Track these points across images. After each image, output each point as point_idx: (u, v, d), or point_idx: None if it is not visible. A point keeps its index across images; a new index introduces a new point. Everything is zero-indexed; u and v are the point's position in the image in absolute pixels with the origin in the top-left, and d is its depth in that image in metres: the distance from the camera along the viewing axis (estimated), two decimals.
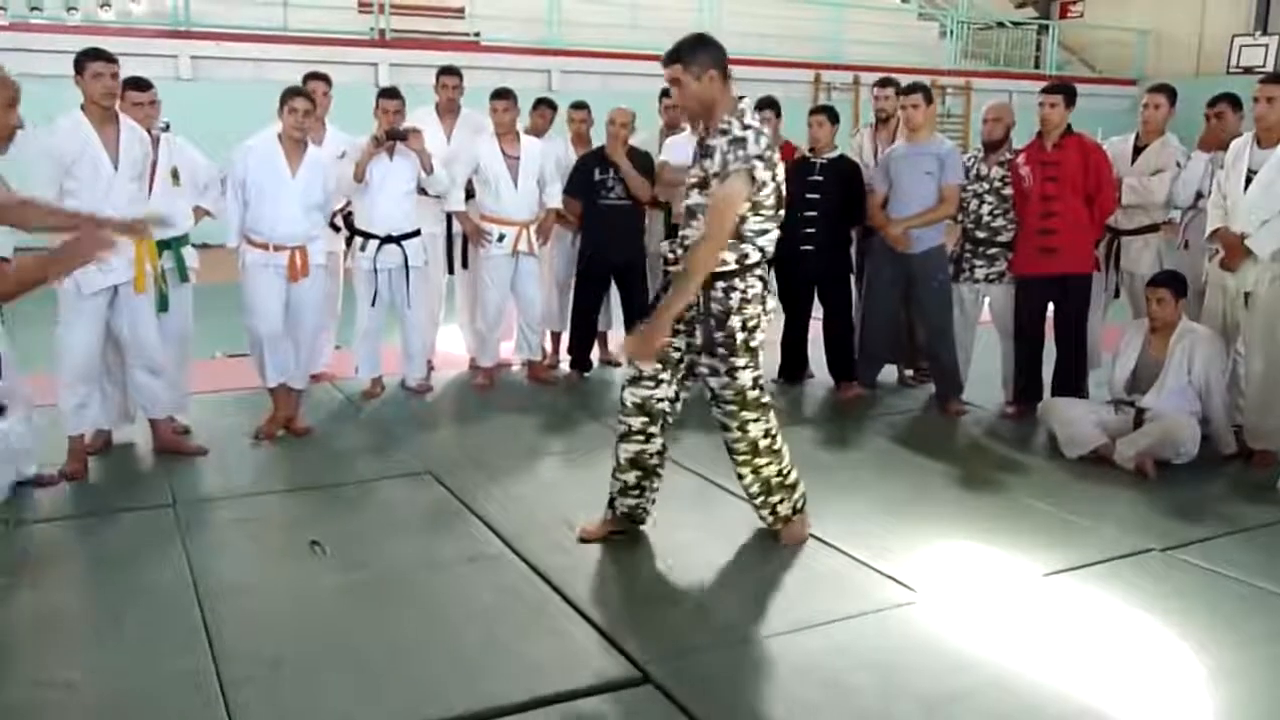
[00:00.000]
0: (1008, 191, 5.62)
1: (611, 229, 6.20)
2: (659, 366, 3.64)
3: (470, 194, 6.10)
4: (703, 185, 3.51)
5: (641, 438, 3.73)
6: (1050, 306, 5.65)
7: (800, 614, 3.33)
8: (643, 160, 6.20)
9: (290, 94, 4.97)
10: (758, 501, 3.85)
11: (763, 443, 3.71)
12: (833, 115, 6.06)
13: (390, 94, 5.73)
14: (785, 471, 3.82)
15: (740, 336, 3.54)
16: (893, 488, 4.58)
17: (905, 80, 6.13)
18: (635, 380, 3.69)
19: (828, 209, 5.93)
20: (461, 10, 14.83)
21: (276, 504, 4.35)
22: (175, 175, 4.89)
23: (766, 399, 3.71)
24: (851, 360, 6.16)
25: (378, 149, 5.56)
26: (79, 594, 3.55)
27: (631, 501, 3.84)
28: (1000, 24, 19.88)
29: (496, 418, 5.59)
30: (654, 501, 3.91)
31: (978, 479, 4.73)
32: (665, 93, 6.64)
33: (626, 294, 6.39)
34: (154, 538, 3.94)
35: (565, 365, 6.60)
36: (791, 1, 16.35)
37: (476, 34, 14.55)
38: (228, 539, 3.94)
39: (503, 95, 6.02)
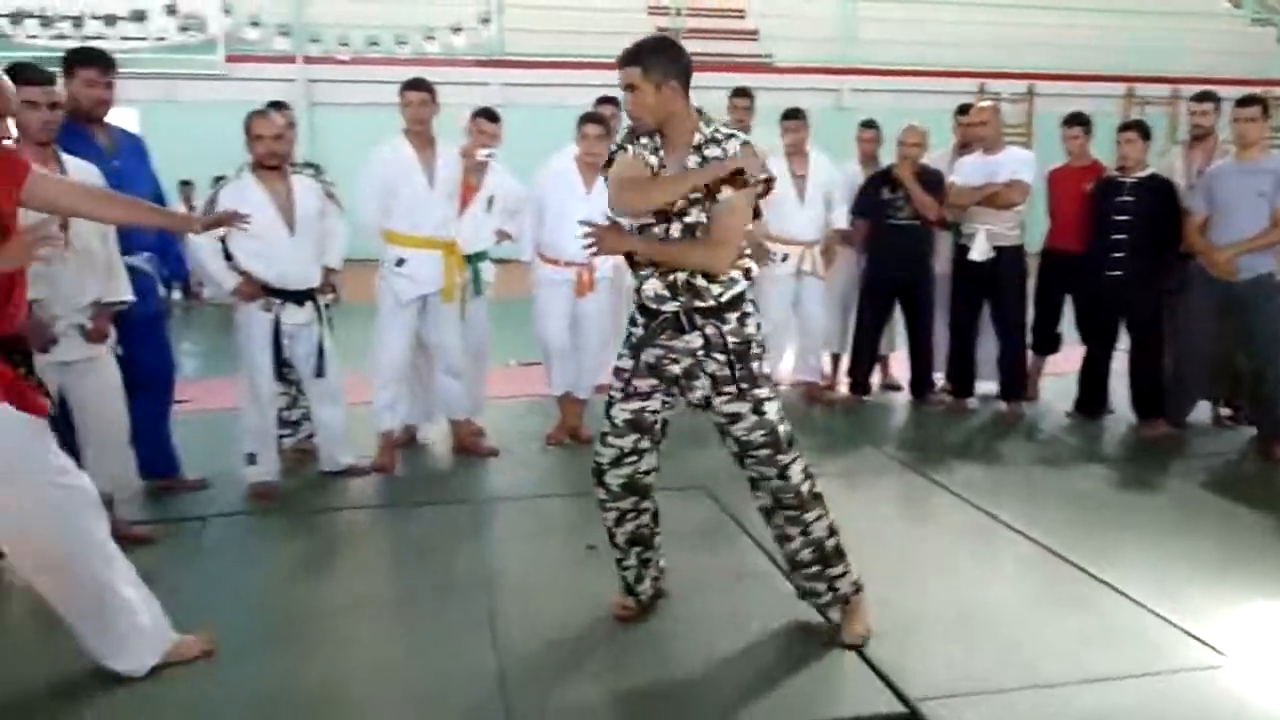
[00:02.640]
0: None
1: (898, 249, 6.06)
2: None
3: (757, 213, 6.14)
4: (702, 201, 2.99)
5: (634, 515, 3.30)
6: None
7: (1089, 665, 3.09)
8: (932, 179, 6.02)
9: (584, 120, 5.21)
10: (810, 573, 3.24)
11: (805, 488, 3.15)
12: (1144, 131, 5.63)
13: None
14: (835, 528, 3.23)
15: (756, 366, 3.08)
16: (1200, 538, 4.17)
17: (1230, 93, 5.60)
18: (616, 461, 3.19)
19: (1137, 232, 5.50)
20: (755, 32, 15.03)
21: (560, 507, 4.55)
22: (490, 202, 5.22)
23: (792, 432, 3.16)
24: (1160, 395, 5.68)
25: None
26: (383, 579, 3.87)
27: (648, 580, 3.43)
28: None
29: None
30: (661, 566, 3.49)
31: None
32: (962, 110, 6.45)
33: (911, 316, 6.22)
34: (451, 531, 4.24)
35: (844, 388, 6.51)
36: (1104, 10, 15.37)
37: (768, 55, 14.68)
38: (515, 538, 4.17)
39: (792, 115, 6.04)
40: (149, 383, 4.30)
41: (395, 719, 2.87)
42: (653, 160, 3.05)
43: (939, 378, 6.34)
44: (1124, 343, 5.82)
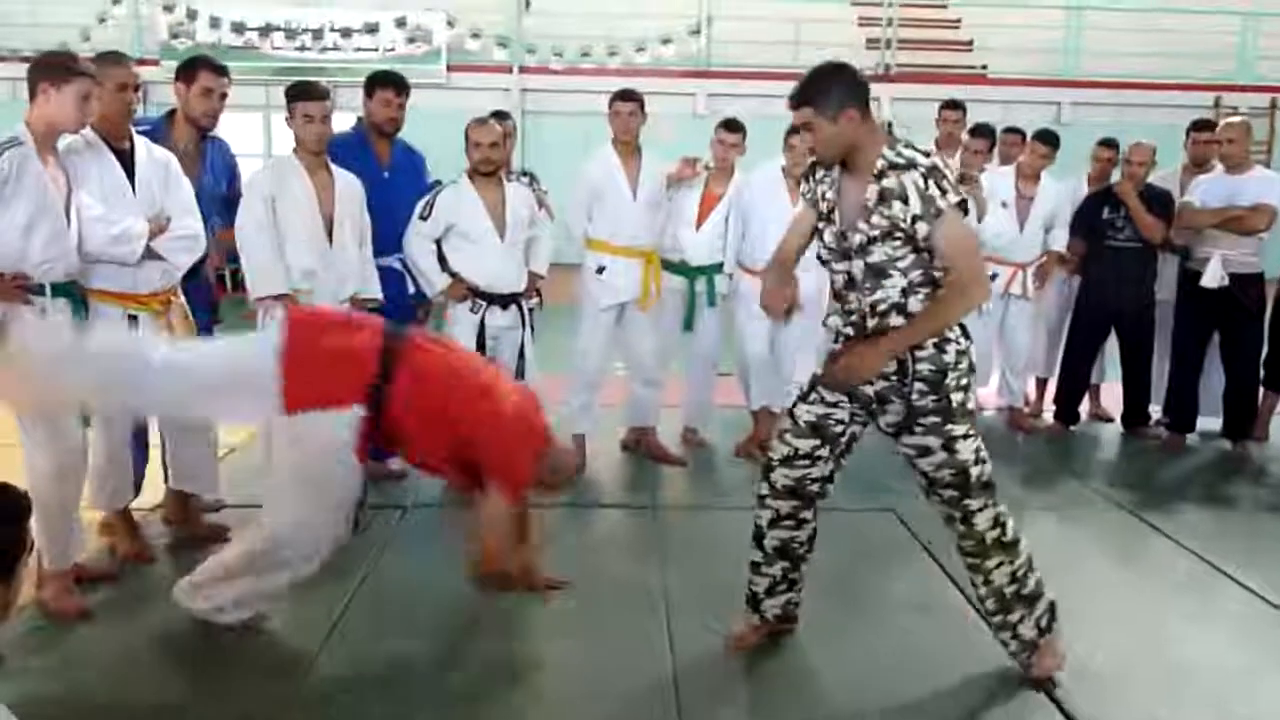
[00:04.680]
0: None
1: (1117, 272, 5.72)
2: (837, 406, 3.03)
3: None
4: (888, 235, 2.80)
5: (791, 523, 3.16)
6: None
7: None
8: (1159, 199, 5.65)
9: (791, 132, 5.16)
10: (994, 622, 3.10)
11: (990, 535, 2.97)
12: None
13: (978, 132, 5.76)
14: (1020, 574, 3.03)
15: (956, 399, 2.88)
16: None
17: None
18: (788, 460, 3.08)
19: None
20: (970, 43, 14.56)
21: (742, 519, 4.46)
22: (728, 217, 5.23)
23: (989, 475, 2.98)
24: None
25: None
26: (568, 576, 3.93)
27: (781, 599, 3.27)
28: None
29: None
30: (801, 594, 3.31)
31: None
32: (1196, 125, 6.05)
33: (1127, 344, 5.87)
34: (634, 535, 4.32)
35: (1049, 415, 6.20)
36: None
37: (984, 66, 14.19)
38: (696, 547, 4.17)
39: (1046, 140, 5.82)
40: None
41: (573, 713, 2.93)
42: (829, 194, 2.95)
43: (1155, 411, 5.95)
44: None
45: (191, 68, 4.02)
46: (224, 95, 4.07)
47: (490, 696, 2.98)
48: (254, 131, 14.06)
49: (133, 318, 3.63)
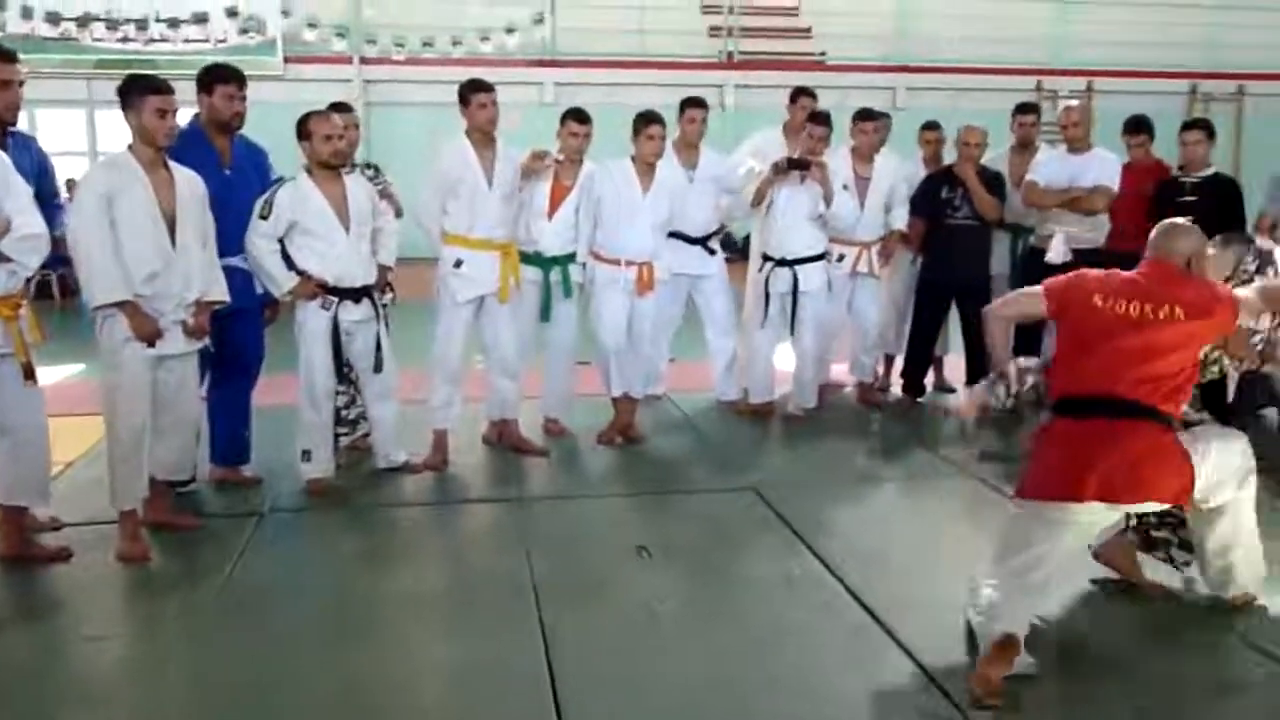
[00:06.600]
0: None
1: (956, 249, 5.97)
2: None
3: None
4: None
5: None
6: None
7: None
8: (993, 180, 5.93)
9: (647, 120, 5.18)
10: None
11: None
12: (1210, 131, 5.53)
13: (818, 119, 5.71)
14: None
15: None
16: None
17: None
18: None
19: None
20: (808, 30, 14.92)
21: (607, 507, 4.55)
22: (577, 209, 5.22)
23: None
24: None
25: (778, 176, 5.59)
26: (434, 577, 3.85)
27: None
28: None
29: (825, 441, 5.53)
30: None
31: None
32: (1021, 109, 6.33)
33: (967, 317, 6.13)
34: (500, 530, 4.29)
35: (896, 389, 6.44)
36: (1167, 4, 15.03)
37: (822, 53, 14.57)
38: (562, 537, 4.16)
39: (872, 116, 5.96)
40: (236, 368, 4.57)
41: (451, 711, 2.90)
42: None
43: None
44: None
45: None
46: (21, 83, 3.87)
47: (362, 702, 2.90)
48: (77, 127, 13.30)
49: None
